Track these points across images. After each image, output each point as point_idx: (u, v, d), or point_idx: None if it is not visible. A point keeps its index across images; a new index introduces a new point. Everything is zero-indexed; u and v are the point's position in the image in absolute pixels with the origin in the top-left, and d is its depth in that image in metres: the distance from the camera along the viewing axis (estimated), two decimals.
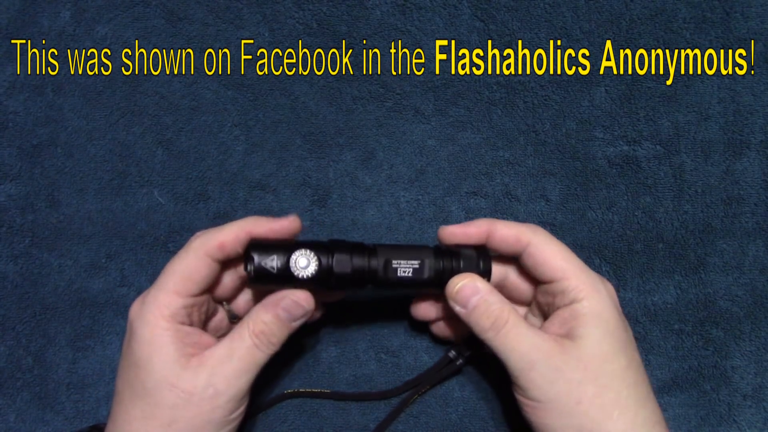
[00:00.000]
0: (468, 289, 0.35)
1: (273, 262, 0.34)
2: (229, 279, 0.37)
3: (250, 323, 0.34)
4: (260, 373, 0.35)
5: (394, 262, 0.36)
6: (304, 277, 0.34)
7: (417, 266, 0.36)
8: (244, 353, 0.34)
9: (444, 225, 0.37)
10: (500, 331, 0.34)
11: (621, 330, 0.35)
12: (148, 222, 0.43)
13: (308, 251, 0.34)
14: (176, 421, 0.33)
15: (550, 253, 0.35)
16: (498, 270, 0.38)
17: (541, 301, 0.38)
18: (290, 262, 0.34)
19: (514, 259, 0.38)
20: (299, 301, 0.35)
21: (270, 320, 0.34)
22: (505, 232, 0.36)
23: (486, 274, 0.36)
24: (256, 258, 0.34)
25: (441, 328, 0.41)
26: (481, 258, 0.37)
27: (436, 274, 0.36)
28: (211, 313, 0.37)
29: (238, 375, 0.34)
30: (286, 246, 0.34)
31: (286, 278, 0.34)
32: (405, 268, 0.36)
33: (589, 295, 0.34)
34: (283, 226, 0.35)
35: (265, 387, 0.42)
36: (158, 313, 0.33)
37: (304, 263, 0.34)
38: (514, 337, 0.34)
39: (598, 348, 0.33)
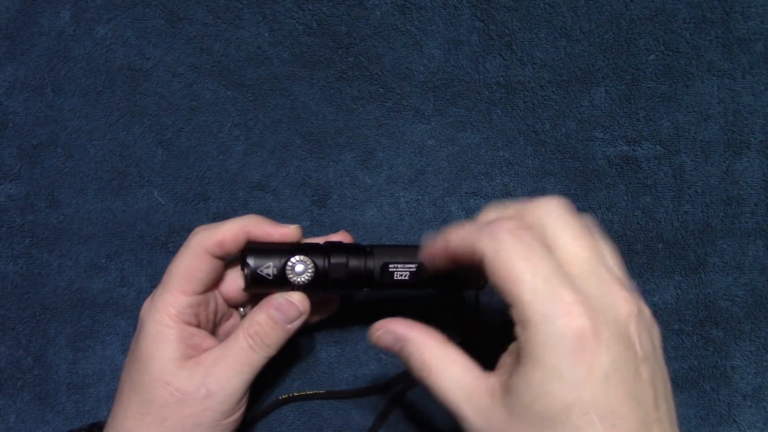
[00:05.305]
0: (389, 337, 0.31)
1: (269, 269, 0.34)
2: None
3: (246, 324, 0.34)
4: (258, 378, 0.35)
5: (390, 266, 0.35)
6: (300, 283, 0.34)
7: (414, 270, 0.35)
8: (238, 354, 0.34)
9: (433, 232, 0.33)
10: (428, 375, 0.29)
11: (581, 372, 0.25)
12: (148, 222, 0.43)
13: (305, 257, 0.34)
14: (167, 419, 0.33)
15: (500, 271, 0.27)
16: None
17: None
18: (286, 269, 0.34)
19: None
20: (293, 302, 0.35)
21: (263, 320, 0.34)
22: (459, 248, 0.29)
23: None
24: (252, 263, 0.34)
25: None
26: None
27: (433, 277, 0.36)
28: (221, 316, 0.37)
29: (231, 376, 0.33)
30: (282, 250, 0.34)
31: (282, 284, 0.34)
32: (402, 271, 0.35)
33: (531, 328, 0.26)
34: (283, 234, 0.35)
35: (264, 388, 0.42)
36: (164, 312, 0.33)
37: (301, 269, 0.34)
38: (435, 380, 0.29)
39: (529, 396, 0.25)
